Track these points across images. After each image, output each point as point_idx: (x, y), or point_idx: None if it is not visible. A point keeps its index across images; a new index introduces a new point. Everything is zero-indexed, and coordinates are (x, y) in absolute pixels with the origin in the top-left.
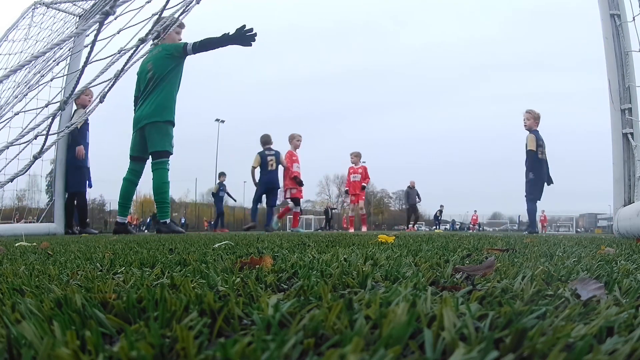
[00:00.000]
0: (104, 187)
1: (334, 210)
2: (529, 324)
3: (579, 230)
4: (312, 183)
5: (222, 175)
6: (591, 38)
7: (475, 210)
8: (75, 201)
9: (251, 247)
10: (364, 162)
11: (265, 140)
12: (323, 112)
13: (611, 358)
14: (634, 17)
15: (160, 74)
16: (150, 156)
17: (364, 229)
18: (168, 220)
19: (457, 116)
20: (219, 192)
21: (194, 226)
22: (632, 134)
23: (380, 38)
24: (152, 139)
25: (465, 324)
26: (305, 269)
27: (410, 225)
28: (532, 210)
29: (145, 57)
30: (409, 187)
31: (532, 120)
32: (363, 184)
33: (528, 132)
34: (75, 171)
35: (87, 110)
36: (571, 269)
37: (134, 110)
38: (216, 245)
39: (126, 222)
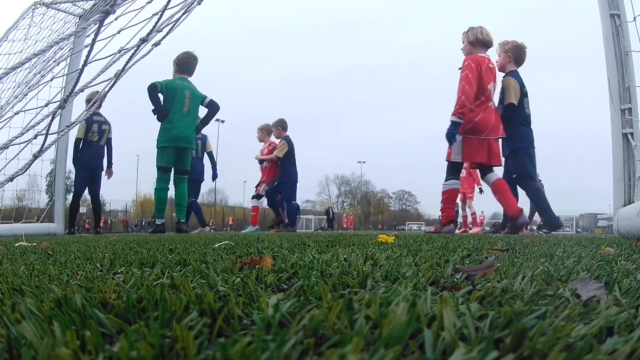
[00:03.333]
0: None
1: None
2: (529, 324)
3: (578, 230)
4: (312, 183)
5: None
6: (592, 37)
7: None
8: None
9: (251, 247)
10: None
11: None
12: (323, 111)
13: (611, 358)
14: (634, 17)
15: (194, 108)
16: (177, 171)
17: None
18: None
19: None
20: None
21: (194, 226)
22: (632, 134)
23: (381, 36)
24: (187, 159)
25: (465, 324)
26: (305, 269)
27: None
28: None
29: (181, 82)
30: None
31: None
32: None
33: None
34: (97, 172)
35: (87, 110)
36: (571, 269)
37: (171, 123)
38: (216, 245)
39: (164, 223)
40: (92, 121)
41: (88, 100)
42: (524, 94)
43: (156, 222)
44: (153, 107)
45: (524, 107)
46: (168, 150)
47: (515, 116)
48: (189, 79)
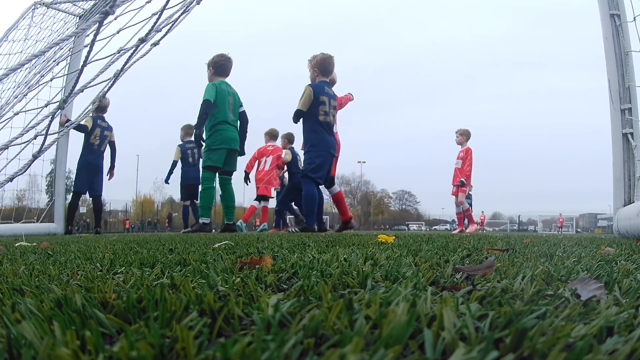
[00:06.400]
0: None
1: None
2: (529, 324)
3: (578, 230)
4: None
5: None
6: (594, 37)
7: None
8: (93, 204)
9: (251, 247)
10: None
11: None
12: None
13: (611, 358)
14: (634, 17)
15: (235, 113)
16: (225, 172)
17: (472, 228)
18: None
19: (458, 115)
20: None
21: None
22: (632, 134)
23: (383, 36)
24: (236, 161)
25: (465, 324)
26: (305, 269)
27: None
28: None
29: (225, 87)
30: None
31: None
32: (461, 178)
33: None
34: (98, 174)
35: (86, 112)
36: (571, 269)
37: (222, 126)
38: (216, 245)
39: (211, 222)
40: (96, 125)
41: (97, 105)
42: (320, 102)
43: (203, 221)
44: (199, 119)
45: (317, 114)
46: (221, 152)
47: (306, 121)
48: (227, 80)
